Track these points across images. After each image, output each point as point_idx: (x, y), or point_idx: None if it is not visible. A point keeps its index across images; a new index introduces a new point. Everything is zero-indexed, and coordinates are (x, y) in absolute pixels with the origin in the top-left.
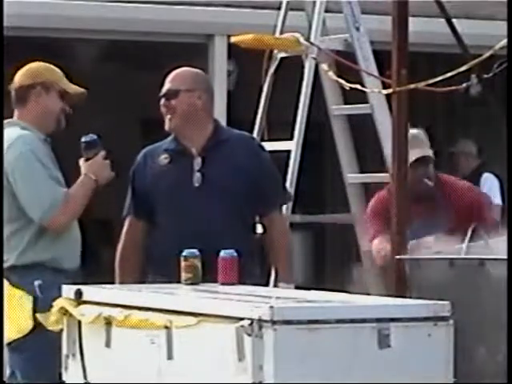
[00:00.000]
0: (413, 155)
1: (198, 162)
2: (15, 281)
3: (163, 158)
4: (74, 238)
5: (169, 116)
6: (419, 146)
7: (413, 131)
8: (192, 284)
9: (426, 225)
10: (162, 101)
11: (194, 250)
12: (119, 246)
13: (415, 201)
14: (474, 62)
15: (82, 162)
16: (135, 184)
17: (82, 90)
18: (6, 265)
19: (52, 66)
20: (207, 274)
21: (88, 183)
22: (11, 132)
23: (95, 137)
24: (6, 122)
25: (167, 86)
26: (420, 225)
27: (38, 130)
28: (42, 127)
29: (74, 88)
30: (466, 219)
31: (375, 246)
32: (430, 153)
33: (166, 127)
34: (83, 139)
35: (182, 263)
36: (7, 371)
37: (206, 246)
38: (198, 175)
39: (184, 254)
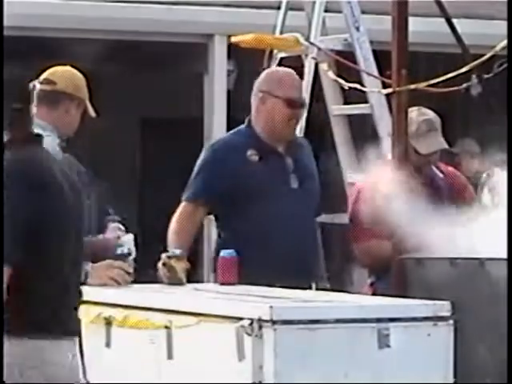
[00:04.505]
0: (433, 145)
1: (289, 162)
2: None
3: (251, 155)
4: None
5: (296, 124)
6: (437, 135)
7: (429, 114)
8: (171, 284)
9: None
10: (296, 110)
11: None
12: (174, 226)
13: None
14: (475, 62)
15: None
16: (213, 173)
17: (94, 115)
18: None
19: (85, 83)
20: (301, 272)
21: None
22: None
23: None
24: None
25: (298, 94)
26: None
27: (56, 133)
28: (62, 130)
29: (91, 111)
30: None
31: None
32: (446, 145)
33: (288, 135)
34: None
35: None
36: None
37: (300, 246)
38: (293, 177)
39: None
